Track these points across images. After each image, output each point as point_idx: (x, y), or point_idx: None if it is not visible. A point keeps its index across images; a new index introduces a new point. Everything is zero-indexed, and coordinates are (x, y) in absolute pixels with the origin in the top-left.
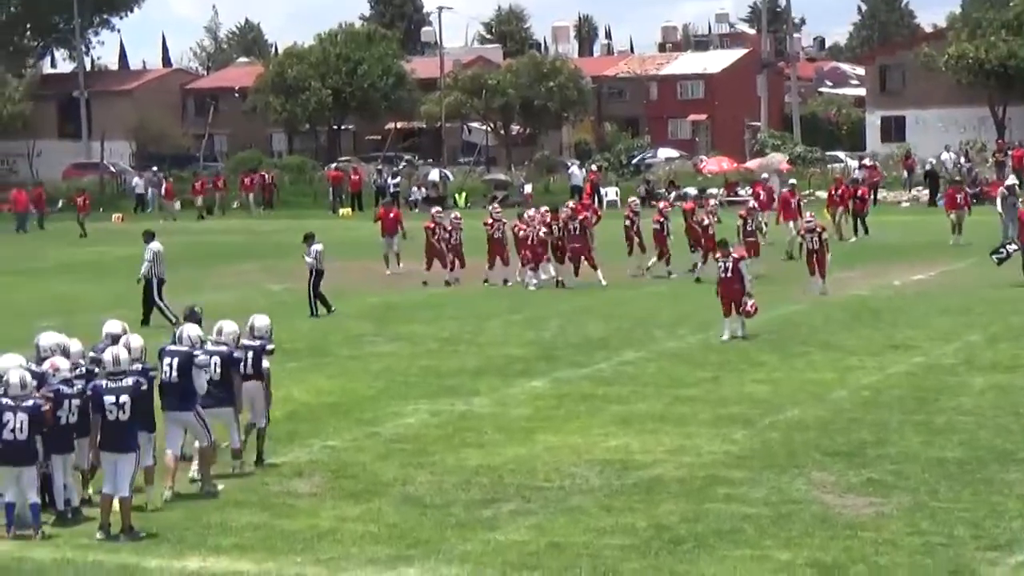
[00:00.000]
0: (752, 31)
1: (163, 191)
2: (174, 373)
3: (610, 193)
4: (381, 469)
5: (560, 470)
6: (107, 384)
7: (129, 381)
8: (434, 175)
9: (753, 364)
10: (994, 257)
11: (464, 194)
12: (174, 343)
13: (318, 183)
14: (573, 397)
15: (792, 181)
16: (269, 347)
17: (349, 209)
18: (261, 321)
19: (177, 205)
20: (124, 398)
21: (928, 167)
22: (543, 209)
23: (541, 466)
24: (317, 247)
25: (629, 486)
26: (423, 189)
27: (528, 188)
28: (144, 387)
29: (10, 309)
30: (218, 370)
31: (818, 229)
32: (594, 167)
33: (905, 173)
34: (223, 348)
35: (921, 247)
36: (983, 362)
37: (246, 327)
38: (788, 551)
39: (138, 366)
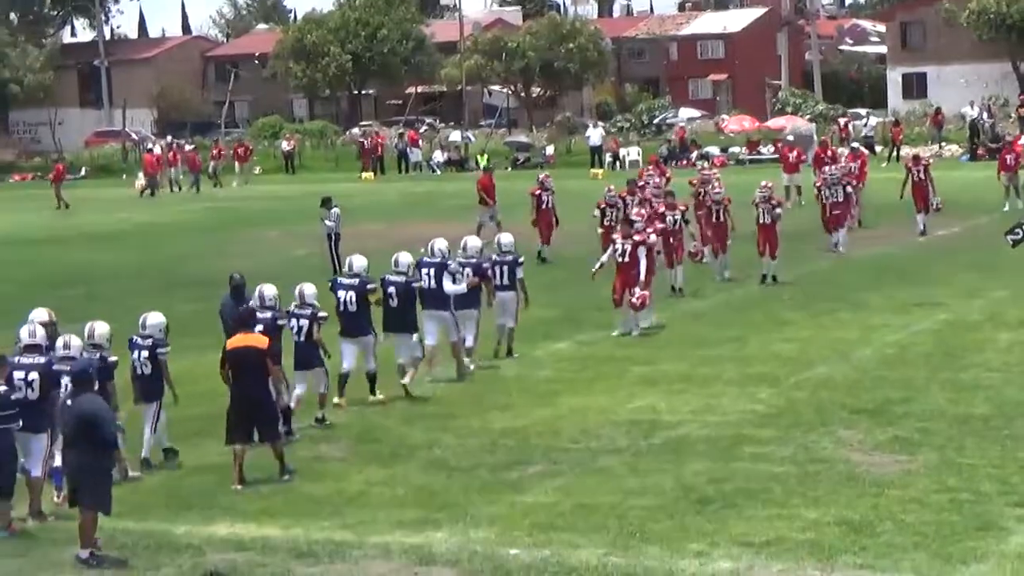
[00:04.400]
0: None
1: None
2: (432, 281)
3: (632, 153)
4: (407, 433)
5: (586, 431)
6: (19, 360)
7: (41, 359)
8: (455, 137)
9: (779, 323)
10: (1009, 238)
11: (486, 156)
12: (427, 257)
13: (339, 148)
14: (597, 359)
15: (856, 144)
16: (520, 259)
17: (371, 173)
18: (507, 238)
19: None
20: (33, 375)
21: (970, 119)
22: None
23: (567, 428)
24: (335, 210)
25: (656, 446)
26: (445, 152)
27: (550, 150)
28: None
29: (42, 278)
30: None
31: (773, 201)
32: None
33: (936, 129)
34: (472, 260)
35: (947, 203)
36: (1009, 318)
37: (494, 244)
38: (815, 509)
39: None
